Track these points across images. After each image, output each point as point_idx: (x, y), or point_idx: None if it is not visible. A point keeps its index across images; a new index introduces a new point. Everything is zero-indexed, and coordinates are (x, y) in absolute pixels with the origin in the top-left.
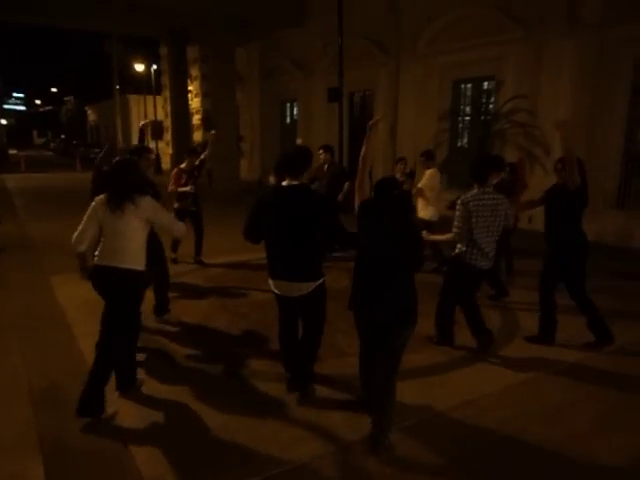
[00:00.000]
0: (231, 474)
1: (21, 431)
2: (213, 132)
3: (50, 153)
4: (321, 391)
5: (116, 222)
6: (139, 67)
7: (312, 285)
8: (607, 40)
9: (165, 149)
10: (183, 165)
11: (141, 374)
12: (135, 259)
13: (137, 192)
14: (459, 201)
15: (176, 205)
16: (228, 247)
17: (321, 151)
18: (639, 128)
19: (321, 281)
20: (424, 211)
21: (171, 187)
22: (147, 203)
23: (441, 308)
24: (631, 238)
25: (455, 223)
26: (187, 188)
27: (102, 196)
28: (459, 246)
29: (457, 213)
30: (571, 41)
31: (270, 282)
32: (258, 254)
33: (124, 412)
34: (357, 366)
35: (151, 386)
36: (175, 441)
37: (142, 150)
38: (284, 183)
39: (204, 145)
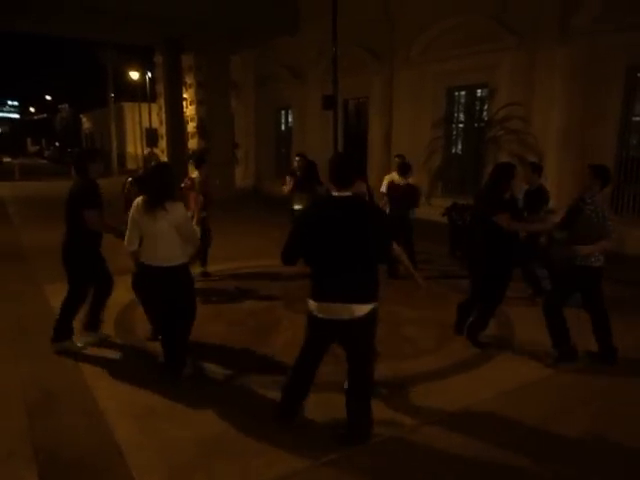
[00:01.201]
0: None
1: (16, 442)
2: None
3: (44, 161)
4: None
5: (152, 224)
6: (134, 75)
7: (368, 307)
8: (599, 47)
9: (160, 157)
10: (194, 175)
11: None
12: (173, 256)
13: (169, 197)
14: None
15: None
16: (222, 255)
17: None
18: (632, 134)
19: (376, 304)
20: None
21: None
22: (178, 211)
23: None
24: (623, 244)
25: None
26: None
27: (139, 199)
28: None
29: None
30: (564, 49)
31: (313, 305)
32: (252, 262)
33: (120, 422)
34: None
35: (147, 395)
36: (172, 451)
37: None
38: (334, 193)
39: (200, 154)
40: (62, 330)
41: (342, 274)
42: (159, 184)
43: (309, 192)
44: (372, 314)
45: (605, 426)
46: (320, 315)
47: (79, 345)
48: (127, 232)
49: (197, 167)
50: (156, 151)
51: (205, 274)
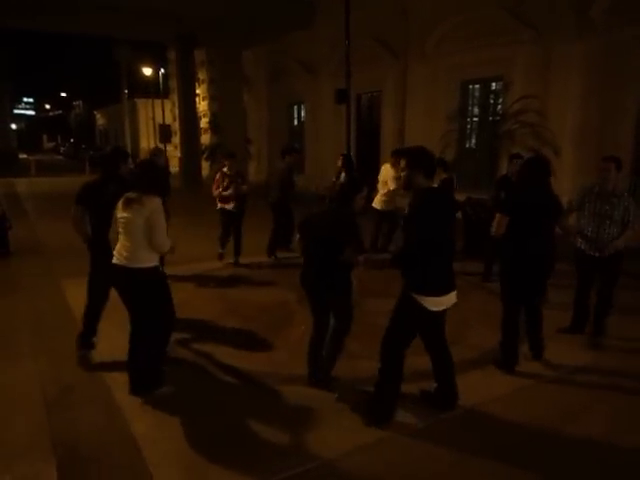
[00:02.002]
0: (242, 476)
1: (35, 435)
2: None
3: (60, 157)
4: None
5: (125, 219)
6: (147, 71)
7: None
8: (616, 41)
9: (173, 152)
10: (225, 169)
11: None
12: (139, 257)
13: (150, 192)
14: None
15: (220, 205)
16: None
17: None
18: None
19: None
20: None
21: (216, 191)
22: (152, 203)
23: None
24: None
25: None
26: (229, 192)
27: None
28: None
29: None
30: (580, 42)
31: (436, 300)
32: (264, 257)
33: (136, 416)
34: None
35: (163, 389)
36: (188, 444)
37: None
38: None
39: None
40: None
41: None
42: (143, 178)
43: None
44: None
45: (625, 425)
46: (435, 309)
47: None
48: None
49: (228, 158)
50: (161, 146)
51: (237, 263)
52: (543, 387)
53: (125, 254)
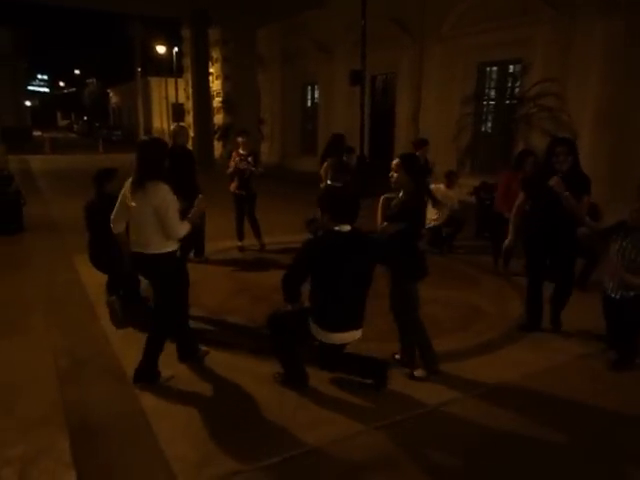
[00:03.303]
0: (252, 454)
1: (48, 408)
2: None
3: (74, 135)
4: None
5: (133, 206)
6: (161, 49)
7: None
8: (639, 22)
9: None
10: (240, 149)
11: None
12: (153, 243)
13: (151, 177)
14: None
15: (233, 188)
16: (247, 230)
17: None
18: None
19: None
20: None
21: (230, 169)
22: (158, 193)
23: None
24: None
25: None
26: (243, 165)
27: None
28: None
29: None
30: (602, 23)
31: (323, 334)
32: (277, 237)
33: (147, 390)
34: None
35: (173, 364)
36: (198, 420)
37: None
38: (337, 228)
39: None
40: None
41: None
42: (141, 161)
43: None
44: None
45: (635, 410)
46: (326, 341)
47: None
48: (114, 210)
49: (241, 136)
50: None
51: (262, 246)
52: (564, 370)
53: (140, 241)
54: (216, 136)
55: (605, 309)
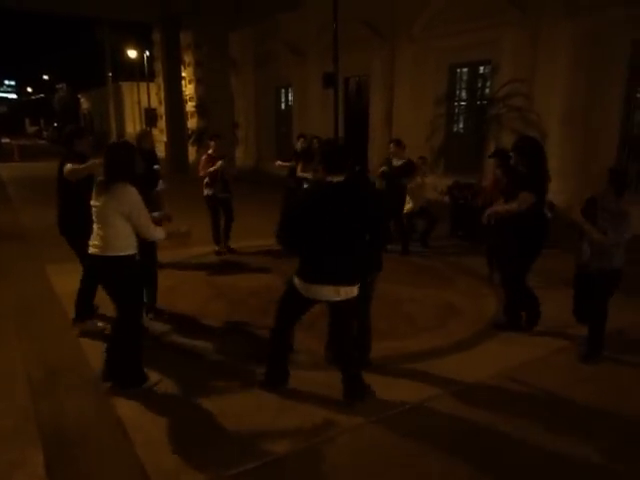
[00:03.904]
0: (229, 459)
1: (20, 420)
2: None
3: (43, 141)
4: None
5: (96, 207)
6: (132, 53)
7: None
8: (603, 22)
9: (159, 136)
10: (211, 151)
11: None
12: (112, 245)
13: (119, 179)
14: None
15: (206, 192)
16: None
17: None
18: (636, 111)
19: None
20: None
21: (202, 172)
22: (125, 196)
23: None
24: None
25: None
26: (218, 164)
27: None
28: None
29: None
30: (567, 23)
31: (304, 286)
32: (252, 241)
33: (122, 399)
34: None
35: (148, 373)
36: (175, 428)
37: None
38: (329, 179)
39: (200, 134)
40: (82, 310)
41: (335, 256)
42: (109, 163)
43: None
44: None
45: (608, 402)
46: (309, 295)
47: (100, 325)
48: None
49: (211, 139)
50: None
51: (229, 249)
52: (538, 364)
53: (99, 243)
54: (190, 140)
55: (577, 281)
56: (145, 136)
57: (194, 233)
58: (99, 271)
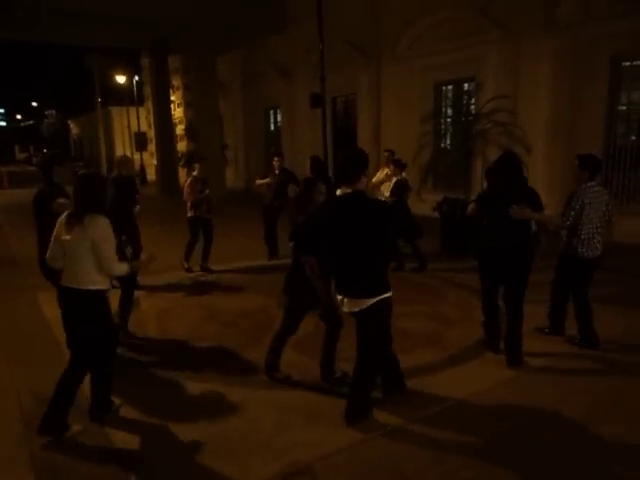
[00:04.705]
0: None
1: (14, 449)
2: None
3: (32, 168)
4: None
5: (68, 239)
6: (120, 79)
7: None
8: (583, 38)
9: (149, 160)
10: (195, 172)
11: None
12: (85, 279)
13: (90, 210)
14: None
15: (190, 214)
16: (216, 255)
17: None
18: (618, 123)
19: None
20: None
21: (190, 197)
22: (97, 227)
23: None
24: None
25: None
26: (206, 193)
27: (65, 213)
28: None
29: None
30: (548, 40)
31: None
32: (243, 262)
33: (118, 427)
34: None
35: (142, 400)
36: (170, 451)
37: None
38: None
39: (190, 157)
40: None
41: (349, 268)
42: (80, 195)
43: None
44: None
45: (603, 413)
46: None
47: None
48: (49, 247)
49: (196, 162)
50: (130, 155)
51: (206, 269)
52: (530, 378)
53: (71, 276)
54: (180, 163)
55: (566, 270)
56: (124, 163)
57: (180, 257)
58: (70, 304)
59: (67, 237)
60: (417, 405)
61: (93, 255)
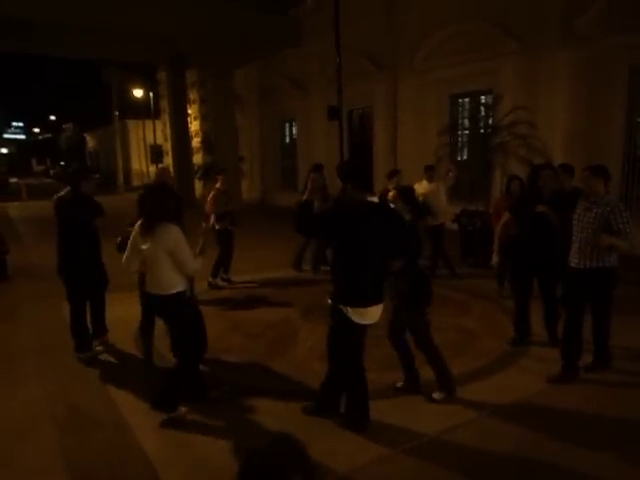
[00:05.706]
0: None
1: (49, 458)
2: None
3: (50, 180)
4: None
5: (145, 249)
6: (137, 92)
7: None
8: (602, 50)
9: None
10: (218, 185)
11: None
12: (167, 284)
13: (159, 220)
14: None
15: (217, 226)
16: (236, 267)
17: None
18: (637, 134)
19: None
20: None
21: (216, 210)
22: (169, 234)
23: None
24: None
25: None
26: (231, 205)
27: (139, 221)
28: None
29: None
30: (565, 52)
31: (355, 311)
32: (264, 274)
33: (147, 435)
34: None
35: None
36: (205, 465)
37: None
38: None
39: (206, 169)
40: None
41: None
42: (148, 207)
43: None
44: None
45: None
46: (364, 321)
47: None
48: (125, 253)
49: (217, 174)
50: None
51: (228, 280)
52: (557, 393)
53: (154, 282)
54: (197, 175)
55: (570, 284)
56: (167, 174)
57: (205, 267)
58: (157, 308)
59: (144, 247)
60: (441, 418)
61: (168, 262)
